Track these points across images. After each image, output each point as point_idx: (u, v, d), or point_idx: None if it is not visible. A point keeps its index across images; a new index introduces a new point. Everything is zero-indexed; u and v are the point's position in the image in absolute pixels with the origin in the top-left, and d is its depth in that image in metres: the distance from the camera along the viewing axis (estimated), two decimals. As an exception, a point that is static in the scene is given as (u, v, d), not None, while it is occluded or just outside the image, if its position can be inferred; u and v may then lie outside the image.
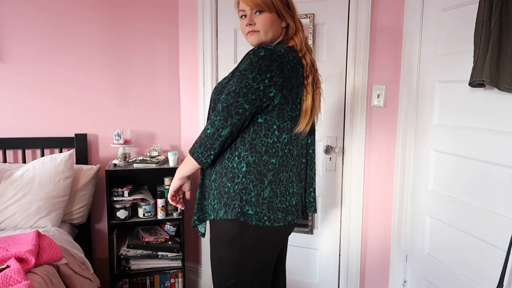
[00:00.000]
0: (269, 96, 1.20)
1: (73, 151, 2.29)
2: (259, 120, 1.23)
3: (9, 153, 2.36)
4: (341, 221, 2.21)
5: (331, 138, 2.16)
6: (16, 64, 2.31)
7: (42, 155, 2.37)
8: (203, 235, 1.44)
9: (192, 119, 2.51)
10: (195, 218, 1.39)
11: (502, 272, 1.36)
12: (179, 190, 1.41)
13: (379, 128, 2.08)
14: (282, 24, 1.32)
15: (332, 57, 2.10)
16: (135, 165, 2.24)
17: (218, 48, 2.34)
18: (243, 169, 1.24)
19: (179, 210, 2.29)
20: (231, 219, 1.25)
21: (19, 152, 2.37)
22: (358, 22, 2.01)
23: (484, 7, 1.36)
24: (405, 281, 2.08)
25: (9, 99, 2.32)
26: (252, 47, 1.27)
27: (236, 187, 1.24)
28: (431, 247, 1.88)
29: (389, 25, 2.00)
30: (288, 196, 1.29)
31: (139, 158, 2.29)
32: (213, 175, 1.31)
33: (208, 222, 1.40)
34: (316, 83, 1.32)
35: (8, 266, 1.40)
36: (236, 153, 1.25)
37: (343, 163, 2.17)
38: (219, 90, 1.31)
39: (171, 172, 2.17)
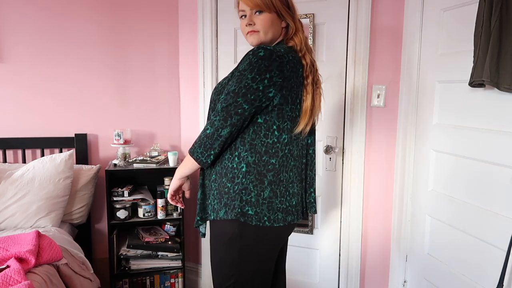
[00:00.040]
0: (269, 97, 1.20)
1: (73, 151, 2.29)
2: (259, 120, 1.23)
3: (9, 153, 2.36)
4: (341, 221, 2.21)
5: (331, 138, 2.16)
6: (16, 64, 2.31)
7: (42, 155, 2.37)
8: (204, 235, 1.44)
9: (192, 119, 2.51)
10: (198, 218, 1.39)
11: (502, 272, 1.36)
12: (178, 189, 1.41)
13: (379, 128, 2.08)
14: (282, 24, 1.32)
15: (332, 57, 2.10)
16: (135, 165, 2.24)
17: (218, 48, 2.34)
18: (243, 169, 1.24)
19: (179, 210, 2.29)
20: (231, 219, 1.25)
21: (19, 152, 2.37)
22: (358, 22, 2.01)
23: (484, 7, 1.36)
24: (405, 281, 2.08)
25: (9, 99, 2.32)
26: (252, 47, 1.27)
27: (236, 187, 1.24)
28: (431, 247, 1.88)
29: (389, 25, 2.00)
30: (288, 196, 1.29)
31: (139, 158, 2.29)
32: (213, 175, 1.31)
33: (208, 222, 1.40)
34: (316, 83, 1.32)
35: (8, 266, 1.40)
36: (236, 153, 1.25)
37: (343, 163, 2.16)
38: (219, 90, 1.31)
39: (171, 172, 2.17)
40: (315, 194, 1.47)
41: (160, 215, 2.26)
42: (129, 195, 2.24)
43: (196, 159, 1.26)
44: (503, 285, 1.36)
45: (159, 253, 2.26)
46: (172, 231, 2.35)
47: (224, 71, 2.31)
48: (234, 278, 1.30)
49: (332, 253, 2.26)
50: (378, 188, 2.13)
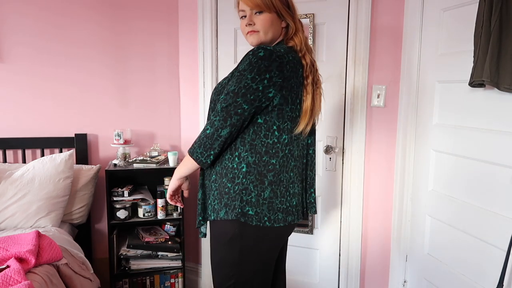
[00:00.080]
0: (268, 97, 1.20)
1: (73, 151, 2.29)
2: (259, 120, 1.23)
3: (9, 153, 2.36)
4: (341, 221, 2.21)
5: (331, 138, 2.16)
6: (16, 64, 2.31)
7: (42, 155, 2.37)
8: (205, 235, 1.44)
9: (192, 119, 2.51)
10: (200, 218, 1.39)
11: (502, 272, 1.36)
12: (178, 189, 1.41)
13: (379, 128, 2.08)
14: (282, 24, 1.32)
15: (332, 57, 2.10)
16: (135, 165, 2.24)
17: (218, 48, 2.34)
18: (243, 169, 1.24)
19: (179, 210, 2.29)
20: (231, 220, 1.25)
21: (19, 152, 2.37)
22: (358, 22, 2.01)
23: (484, 7, 1.36)
24: (405, 281, 2.08)
25: (9, 99, 2.32)
26: (252, 47, 1.27)
27: (237, 187, 1.24)
28: (431, 247, 1.88)
29: (389, 25, 2.00)
30: (289, 196, 1.29)
31: (139, 158, 2.29)
32: (213, 176, 1.31)
33: (208, 222, 1.40)
34: (316, 83, 1.32)
35: (8, 266, 1.40)
36: (236, 153, 1.25)
37: (343, 163, 2.16)
38: (219, 91, 1.31)
39: (171, 172, 2.16)
40: (315, 194, 1.47)
41: (160, 215, 2.26)
42: (129, 195, 2.24)
43: (195, 159, 1.26)
44: (503, 285, 1.36)
45: (159, 253, 2.26)
46: (172, 231, 2.35)
47: (224, 71, 2.31)
48: (235, 278, 1.30)
49: (332, 253, 2.26)
50: (378, 188, 2.13)
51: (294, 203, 1.31)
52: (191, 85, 2.48)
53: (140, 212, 2.24)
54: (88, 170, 2.31)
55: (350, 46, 2.04)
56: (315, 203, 1.47)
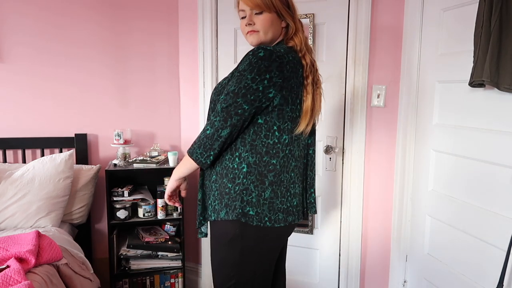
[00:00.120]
0: (269, 97, 1.20)
1: (73, 151, 2.29)
2: (259, 121, 1.23)
3: (9, 153, 2.36)
4: (341, 221, 2.21)
5: (331, 138, 2.16)
6: (16, 64, 2.31)
7: (42, 155, 2.37)
8: (206, 235, 1.44)
9: (192, 119, 2.51)
10: (201, 218, 1.38)
11: (502, 272, 1.36)
12: (176, 190, 1.41)
13: (379, 128, 2.08)
14: (282, 24, 1.32)
15: (332, 57, 2.10)
16: (135, 165, 2.24)
17: (218, 48, 2.34)
18: (244, 169, 1.24)
19: (179, 210, 2.29)
20: (232, 220, 1.25)
21: (19, 152, 2.37)
22: (358, 22, 2.01)
23: (484, 7, 1.36)
24: (405, 281, 2.08)
25: (9, 99, 2.32)
26: (252, 47, 1.27)
27: (237, 187, 1.24)
28: (431, 247, 1.88)
29: (389, 25, 2.00)
30: (290, 197, 1.29)
31: (139, 158, 2.29)
32: (214, 176, 1.31)
33: (208, 222, 1.40)
34: (316, 83, 1.32)
35: (8, 266, 1.40)
36: (237, 153, 1.25)
37: (343, 163, 2.16)
38: (219, 91, 1.31)
39: (171, 172, 2.16)
40: (315, 194, 1.47)
41: (160, 215, 2.26)
42: (129, 195, 2.24)
43: (195, 160, 1.26)
44: (503, 285, 1.36)
45: (159, 253, 2.26)
46: (172, 231, 2.35)
47: (224, 71, 2.31)
48: (235, 278, 1.30)
49: (332, 253, 2.26)
50: (378, 188, 2.13)
51: (295, 203, 1.31)
52: (191, 85, 2.48)
53: (140, 212, 2.24)
54: (88, 170, 2.31)
55: (350, 46, 2.04)
56: (315, 203, 1.47)
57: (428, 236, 1.90)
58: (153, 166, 2.24)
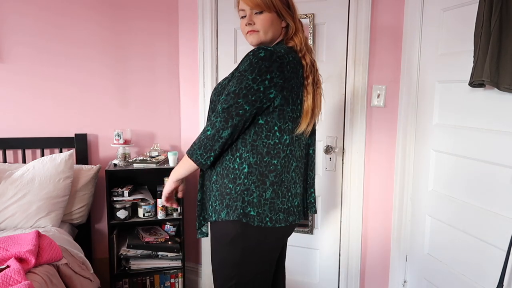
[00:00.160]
0: (269, 97, 1.20)
1: (73, 151, 2.29)
2: (260, 121, 1.23)
3: (9, 153, 2.36)
4: (341, 221, 2.21)
5: (331, 138, 2.16)
6: (16, 64, 2.31)
7: (42, 155, 2.37)
8: (207, 235, 1.44)
9: (192, 119, 2.51)
10: (201, 218, 1.38)
11: (502, 272, 1.36)
12: (173, 191, 1.40)
13: (379, 128, 2.08)
14: (282, 24, 1.32)
15: (332, 57, 2.10)
16: (135, 165, 2.24)
17: (218, 48, 2.34)
18: (245, 170, 1.23)
19: (179, 210, 2.29)
20: (233, 220, 1.25)
21: (19, 152, 2.37)
22: (358, 22, 2.01)
23: (484, 7, 1.36)
24: (405, 281, 2.08)
25: (9, 99, 2.32)
26: (252, 47, 1.27)
27: (238, 188, 1.24)
28: (431, 247, 1.88)
29: (389, 25, 2.00)
30: (291, 197, 1.29)
31: (139, 158, 2.29)
32: (214, 177, 1.30)
33: (208, 223, 1.40)
34: (316, 83, 1.32)
35: (8, 266, 1.40)
36: (238, 154, 1.25)
37: (343, 163, 2.16)
38: (219, 91, 1.30)
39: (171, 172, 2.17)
40: (315, 194, 1.47)
41: (160, 215, 2.26)
42: (129, 195, 2.24)
43: (195, 161, 1.25)
44: (503, 285, 1.36)
45: (159, 253, 2.26)
46: (172, 231, 2.35)
47: (224, 71, 2.31)
48: (236, 278, 1.30)
49: (332, 253, 2.26)
50: (378, 188, 2.13)
51: (296, 203, 1.31)
52: (191, 85, 2.48)
53: (140, 212, 2.24)
54: (88, 170, 2.31)
55: (350, 46, 2.04)
56: (315, 203, 1.47)
57: (428, 236, 1.90)
58: (153, 166, 2.24)
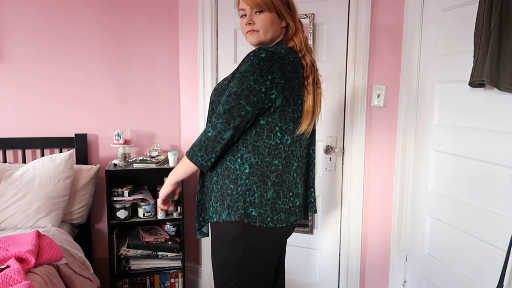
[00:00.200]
0: (271, 98, 1.19)
1: (73, 151, 2.29)
2: (261, 122, 1.23)
3: (9, 153, 2.36)
4: (341, 221, 2.21)
5: (331, 138, 2.16)
6: (15, 63, 2.31)
7: (42, 155, 2.37)
8: (207, 235, 1.43)
9: (192, 119, 2.51)
10: (201, 219, 1.38)
11: (502, 272, 1.36)
12: (169, 194, 1.40)
13: (379, 128, 2.08)
14: (282, 24, 1.32)
15: (332, 57, 2.10)
16: (135, 165, 2.24)
17: (218, 47, 2.34)
18: (246, 170, 1.23)
19: (179, 210, 2.29)
20: (234, 221, 1.25)
21: (19, 152, 2.37)
22: (358, 22, 2.01)
23: (484, 7, 1.36)
24: (405, 281, 2.08)
25: (9, 99, 2.32)
26: (252, 47, 1.27)
27: (239, 188, 1.24)
28: (431, 247, 1.88)
29: (389, 25, 2.00)
30: (292, 197, 1.29)
31: (139, 158, 2.29)
32: (215, 177, 1.30)
33: (209, 223, 1.40)
34: (316, 83, 1.32)
35: (8, 266, 1.40)
36: (239, 154, 1.24)
37: (343, 163, 2.16)
38: (219, 92, 1.30)
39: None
40: (315, 193, 1.48)
41: (160, 215, 2.26)
42: (129, 195, 2.24)
43: (195, 163, 1.24)
44: (503, 285, 1.36)
45: (159, 253, 2.26)
46: (172, 231, 2.35)
47: (224, 71, 2.31)
48: (237, 278, 1.30)
49: (332, 253, 2.25)
50: (378, 188, 2.13)
51: (298, 203, 1.31)
52: (191, 84, 2.48)
53: (140, 212, 2.24)
54: (88, 170, 2.31)
55: (350, 46, 2.04)
56: (315, 203, 1.48)
57: (428, 236, 1.90)
58: (153, 166, 2.24)
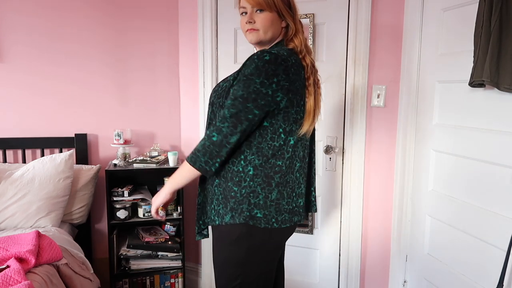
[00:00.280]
0: (276, 101, 1.19)
1: (73, 151, 2.29)
2: (265, 123, 1.22)
3: (9, 153, 2.36)
4: (341, 221, 2.21)
5: (331, 138, 2.16)
6: (15, 63, 2.31)
7: (42, 155, 2.37)
8: (207, 236, 1.43)
9: (192, 119, 2.51)
10: (201, 222, 1.38)
11: (502, 272, 1.36)
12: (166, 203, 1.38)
13: (379, 128, 2.08)
14: (282, 24, 1.31)
15: (332, 57, 2.10)
16: (135, 165, 2.24)
17: (218, 47, 2.34)
18: (250, 172, 1.23)
19: (179, 210, 2.29)
20: (238, 224, 1.24)
21: (19, 152, 2.37)
22: (358, 22, 2.01)
23: (484, 7, 1.36)
24: (405, 281, 2.08)
25: (9, 98, 2.32)
26: (252, 47, 1.27)
27: (244, 190, 1.23)
28: (431, 247, 1.88)
29: (389, 25, 2.00)
30: (295, 197, 1.29)
31: (139, 158, 2.29)
32: (216, 180, 1.29)
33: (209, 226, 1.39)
34: (316, 84, 1.32)
35: (8, 266, 1.40)
36: (242, 156, 1.24)
37: (343, 163, 2.16)
38: (219, 94, 1.29)
39: (171, 172, 2.16)
40: (315, 193, 1.48)
41: (160, 215, 2.26)
42: (129, 195, 2.24)
43: (199, 168, 1.22)
44: (503, 285, 1.36)
45: (159, 253, 2.26)
46: (172, 231, 2.35)
47: (224, 71, 2.31)
48: (241, 278, 1.29)
49: (332, 253, 2.25)
50: (378, 188, 2.13)
51: (301, 203, 1.32)
52: (191, 84, 2.48)
53: (140, 212, 2.24)
54: (88, 170, 2.31)
55: (350, 46, 2.04)
56: (316, 202, 1.48)
57: (428, 236, 1.89)
58: (153, 166, 2.24)
